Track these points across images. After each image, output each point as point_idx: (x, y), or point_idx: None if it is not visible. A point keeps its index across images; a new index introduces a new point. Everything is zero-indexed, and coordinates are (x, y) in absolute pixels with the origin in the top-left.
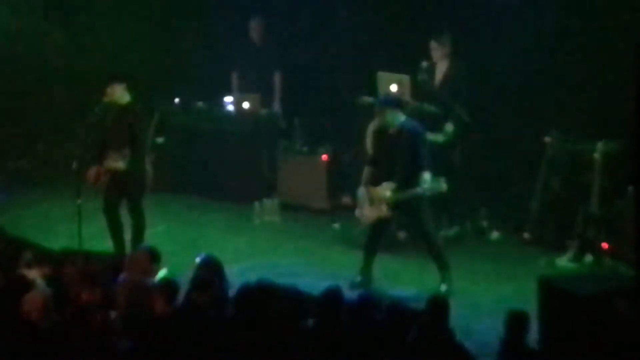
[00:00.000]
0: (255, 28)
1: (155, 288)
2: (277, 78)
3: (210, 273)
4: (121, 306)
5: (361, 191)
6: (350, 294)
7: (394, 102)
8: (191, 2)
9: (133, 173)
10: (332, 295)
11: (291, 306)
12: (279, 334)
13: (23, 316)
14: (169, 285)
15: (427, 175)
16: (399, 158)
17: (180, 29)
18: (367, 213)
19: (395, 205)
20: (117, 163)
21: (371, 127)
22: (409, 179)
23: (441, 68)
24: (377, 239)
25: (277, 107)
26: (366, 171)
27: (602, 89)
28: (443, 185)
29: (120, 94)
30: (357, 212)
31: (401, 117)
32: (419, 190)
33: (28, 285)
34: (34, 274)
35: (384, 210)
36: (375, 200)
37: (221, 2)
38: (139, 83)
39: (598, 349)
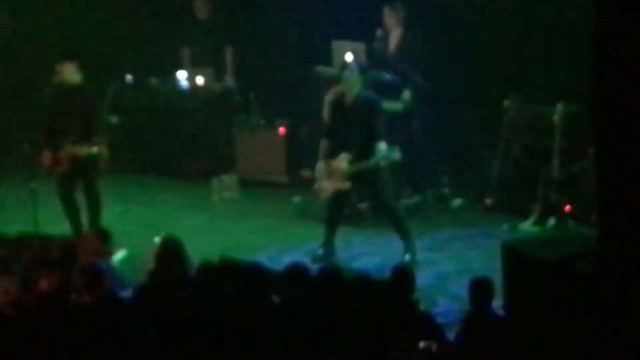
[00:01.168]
0: (200, 6)
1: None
2: (228, 52)
3: (171, 253)
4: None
5: (319, 164)
6: (312, 267)
7: (363, 70)
8: None
9: (92, 157)
10: (296, 271)
11: (253, 282)
12: (242, 310)
13: None
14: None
15: (382, 145)
16: (355, 128)
17: (129, 4)
18: (326, 186)
19: (353, 177)
20: (90, 149)
21: (327, 98)
22: (365, 150)
23: (395, 35)
24: (337, 211)
25: (231, 81)
26: (323, 143)
27: (560, 50)
28: (397, 155)
29: (70, 73)
30: (315, 186)
31: (358, 86)
32: (373, 160)
33: None
34: None
35: (341, 182)
36: (332, 172)
37: None
38: (89, 61)
39: (562, 313)
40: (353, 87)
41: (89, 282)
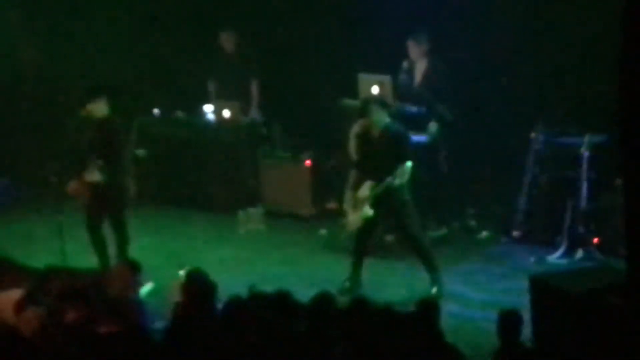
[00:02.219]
0: (227, 39)
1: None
2: (254, 86)
3: (195, 286)
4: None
5: (346, 196)
6: (339, 299)
7: (380, 103)
8: (167, 12)
9: (113, 187)
10: (323, 301)
11: (280, 312)
12: (269, 341)
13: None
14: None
15: (408, 164)
16: (382, 160)
17: (157, 39)
18: (352, 218)
19: (376, 203)
20: (93, 175)
21: (354, 130)
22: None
23: (420, 67)
24: (364, 243)
25: (256, 114)
26: (351, 176)
27: (586, 81)
28: (408, 168)
29: (99, 108)
30: (343, 220)
31: (386, 119)
32: (390, 179)
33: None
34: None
35: (366, 211)
36: (358, 203)
37: (195, 13)
38: (118, 95)
39: (591, 346)
40: (379, 120)
41: (117, 313)
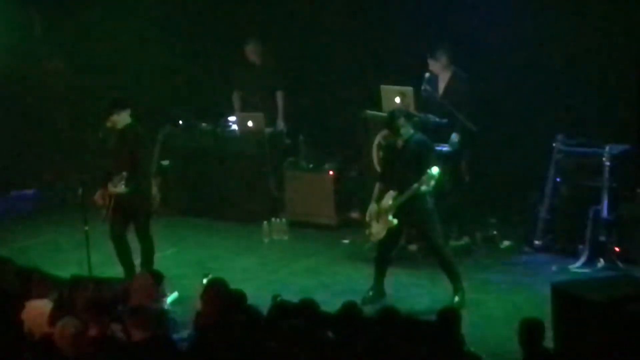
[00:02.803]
0: (252, 51)
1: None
2: (279, 97)
3: (216, 295)
4: (132, 331)
5: (370, 207)
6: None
7: (406, 115)
8: (192, 23)
9: (137, 197)
10: (350, 310)
11: (306, 319)
12: (295, 349)
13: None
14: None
15: (434, 170)
16: (405, 171)
17: (181, 51)
18: (375, 229)
19: (399, 213)
20: (117, 187)
21: (377, 141)
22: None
23: (443, 78)
24: (387, 252)
25: (282, 125)
26: (376, 187)
27: (608, 91)
28: (434, 174)
29: (122, 118)
30: (367, 231)
31: (410, 130)
32: (414, 187)
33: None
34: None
35: (389, 221)
36: (381, 213)
37: (220, 24)
38: (142, 106)
39: (613, 354)
40: (403, 132)
41: (141, 322)
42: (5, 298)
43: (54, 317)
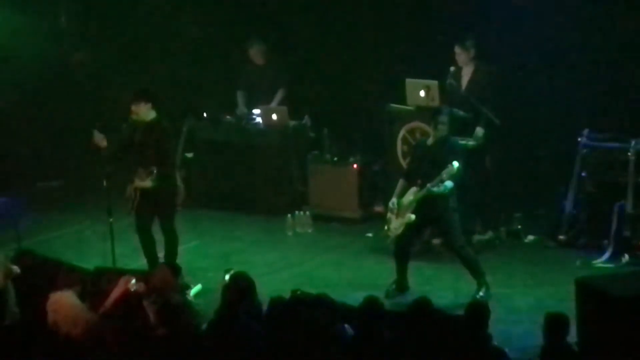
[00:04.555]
0: (255, 52)
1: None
2: (279, 93)
3: (239, 288)
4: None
5: (391, 202)
6: (386, 302)
7: (447, 113)
8: (216, 16)
9: (163, 190)
10: (371, 305)
11: (324, 314)
12: (314, 343)
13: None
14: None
15: (454, 165)
16: (432, 169)
17: (205, 43)
18: (394, 225)
19: (419, 210)
20: (144, 182)
21: (401, 135)
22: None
23: (467, 72)
24: (406, 247)
25: (308, 121)
26: (400, 183)
27: (634, 86)
28: (454, 169)
29: (145, 112)
30: (385, 228)
31: (446, 130)
32: (436, 181)
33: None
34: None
35: (408, 217)
36: (402, 209)
37: (243, 16)
38: (167, 98)
39: (637, 349)
40: (441, 130)
41: (166, 315)
42: (29, 289)
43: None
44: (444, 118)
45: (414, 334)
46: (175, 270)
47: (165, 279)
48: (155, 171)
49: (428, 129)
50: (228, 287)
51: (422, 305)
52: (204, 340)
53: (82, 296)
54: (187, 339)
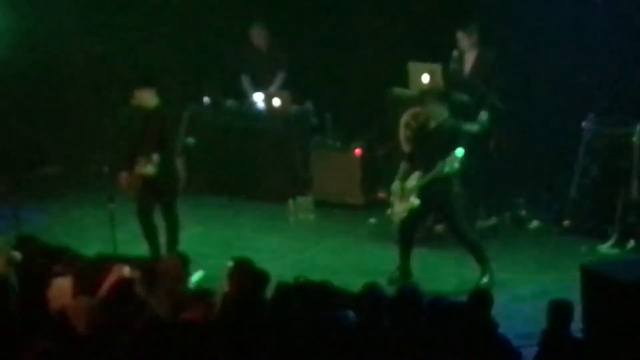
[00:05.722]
0: (256, 35)
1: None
2: (279, 77)
3: (243, 275)
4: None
5: (394, 185)
6: (389, 289)
7: (441, 96)
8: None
9: (165, 177)
10: (372, 291)
11: (325, 300)
12: (316, 330)
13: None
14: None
15: (458, 152)
16: (434, 153)
17: (206, 28)
18: (397, 208)
19: (423, 195)
20: (146, 168)
21: (404, 119)
22: None
23: (470, 57)
24: (409, 233)
25: (310, 106)
26: (402, 167)
27: (638, 71)
28: (458, 156)
29: (149, 98)
30: (388, 210)
31: (445, 113)
32: (438, 168)
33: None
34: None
35: (413, 201)
36: (405, 193)
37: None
38: (168, 84)
39: None
40: (439, 114)
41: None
42: (31, 276)
43: (75, 292)
44: (436, 99)
45: (407, 321)
46: (185, 260)
47: (174, 270)
48: (158, 157)
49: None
50: (233, 274)
51: (409, 292)
52: (213, 330)
53: (82, 283)
54: (195, 328)
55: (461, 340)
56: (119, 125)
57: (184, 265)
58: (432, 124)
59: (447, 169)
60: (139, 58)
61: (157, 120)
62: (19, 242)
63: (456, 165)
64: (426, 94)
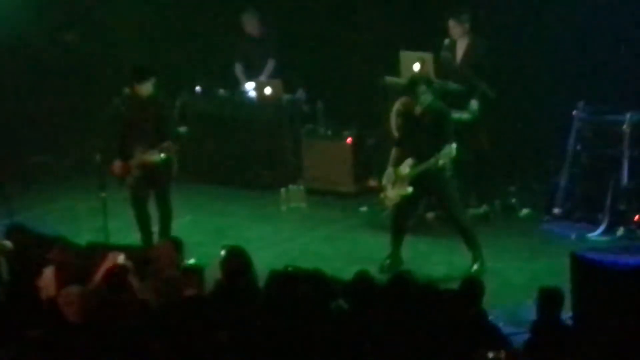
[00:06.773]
0: (248, 21)
1: (183, 275)
2: (270, 63)
3: (235, 263)
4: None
5: (386, 172)
6: (380, 277)
7: (425, 82)
8: None
9: (162, 165)
10: (363, 280)
11: (317, 289)
12: (309, 318)
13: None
14: (194, 271)
15: (453, 145)
16: (423, 138)
17: (198, 17)
18: (390, 195)
19: (416, 182)
20: (155, 156)
21: (395, 107)
22: (431, 155)
23: (462, 45)
24: (402, 220)
25: (302, 94)
26: (393, 152)
27: (629, 59)
28: (453, 150)
29: (145, 88)
30: (380, 195)
31: (429, 98)
32: (433, 160)
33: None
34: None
35: (405, 188)
36: (397, 180)
37: None
38: (160, 72)
39: (631, 322)
40: (423, 99)
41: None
42: (21, 265)
43: (58, 284)
44: (421, 87)
45: (396, 309)
46: (178, 245)
47: (168, 254)
48: (167, 145)
49: None
50: (225, 262)
51: (400, 281)
52: (202, 314)
53: (74, 271)
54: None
55: (451, 328)
56: (111, 114)
57: (177, 249)
58: (418, 110)
59: (441, 162)
60: (131, 47)
61: (154, 108)
62: (10, 231)
63: (450, 158)
64: (410, 80)
